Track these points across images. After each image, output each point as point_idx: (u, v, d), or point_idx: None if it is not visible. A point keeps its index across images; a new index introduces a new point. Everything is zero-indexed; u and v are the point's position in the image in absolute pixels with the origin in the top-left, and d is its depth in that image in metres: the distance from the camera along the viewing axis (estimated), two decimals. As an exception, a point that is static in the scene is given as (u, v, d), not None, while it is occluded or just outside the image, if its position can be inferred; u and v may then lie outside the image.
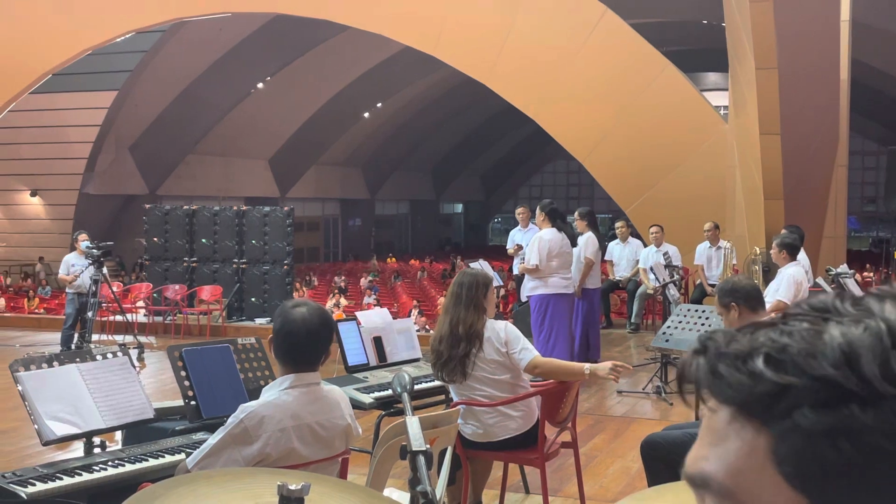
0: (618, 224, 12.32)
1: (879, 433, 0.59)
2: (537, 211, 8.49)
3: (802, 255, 7.97)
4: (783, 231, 8.59)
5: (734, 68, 12.53)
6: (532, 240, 8.47)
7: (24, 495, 3.13)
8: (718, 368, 0.66)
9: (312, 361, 2.99)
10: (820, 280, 8.68)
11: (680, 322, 6.09)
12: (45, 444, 3.49)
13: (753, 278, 8.59)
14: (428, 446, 2.18)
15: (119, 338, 11.85)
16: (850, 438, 0.60)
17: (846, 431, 0.60)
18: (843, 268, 9.06)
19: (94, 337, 10.45)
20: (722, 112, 14.99)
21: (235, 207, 13.99)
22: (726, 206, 12.91)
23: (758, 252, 9.22)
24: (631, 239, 12.22)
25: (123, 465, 3.46)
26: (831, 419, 0.60)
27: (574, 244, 8.66)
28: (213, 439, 2.86)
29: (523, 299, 9.55)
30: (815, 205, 11.43)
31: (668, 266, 9.66)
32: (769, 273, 8.72)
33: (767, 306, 5.11)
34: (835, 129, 11.67)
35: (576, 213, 10.01)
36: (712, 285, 10.78)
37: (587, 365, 4.39)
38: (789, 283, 7.16)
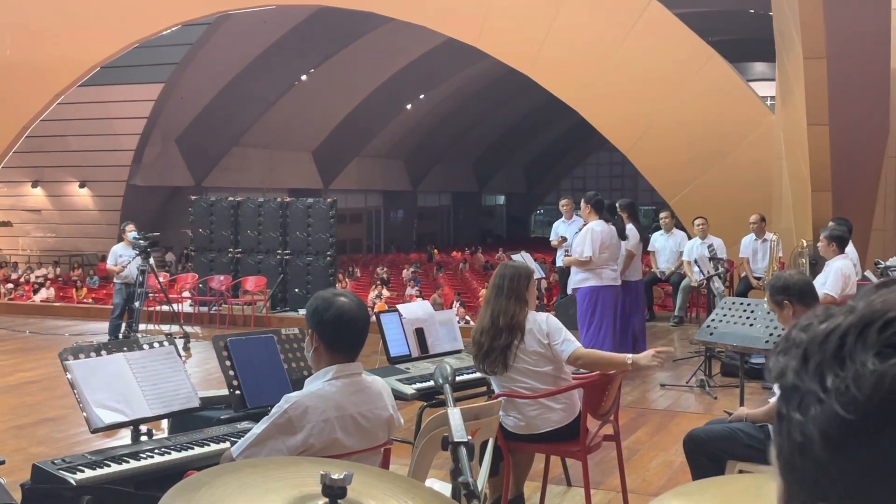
0: (662, 214, 12.21)
1: (799, 428, 0.66)
2: (582, 203, 8.46)
3: (851, 248, 7.84)
4: (831, 223, 8.45)
5: (781, 58, 12.34)
6: (583, 231, 8.43)
7: (73, 481, 3.19)
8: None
9: (357, 350, 3.01)
10: (868, 273, 8.54)
11: (724, 315, 6.01)
12: (94, 431, 3.55)
13: (801, 272, 8.47)
14: (469, 437, 2.18)
15: (165, 327, 12.00)
16: (790, 434, 0.66)
17: (791, 429, 0.67)
18: (893, 261, 8.88)
19: (141, 326, 10.60)
20: (769, 102, 14.77)
21: (279, 199, 14.09)
22: (773, 197, 12.73)
23: (805, 245, 9.08)
24: (675, 230, 12.10)
25: (170, 453, 3.50)
26: (798, 418, 0.66)
27: (622, 236, 8.59)
28: (257, 429, 2.89)
29: (569, 291, 9.51)
30: (864, 197, 11.23)
31: (713, 259, 9.55)
32: (816, 266, 8.59)
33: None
34: (885, 119, 11.45)
35: (616, 205, 9.94)
36: (758, 278, 10.65)
37: (629, 356, 4.39)
38: (837, 276, 7.04)
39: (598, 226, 8.21)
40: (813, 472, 0.64)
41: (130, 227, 10.84)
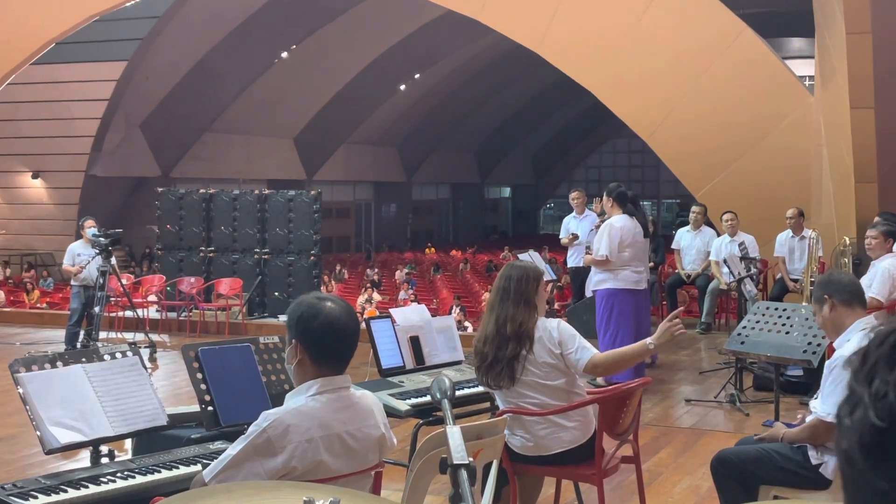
0: (694, 208, 12.15)
1: (845, 435, 0.69)
2: (604, 196, 8.45)
3: (900, 247, 7.86)
4: (877, 218, 8.46)
5: (821, 33, 12.35)
6: (602, 227, 8.45)
7: (25, 509, 3.18)
8: None
9: (346, 362, 3.00)
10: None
11: (757, 322, 6.02)
12: (48, 452, 3.55)
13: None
14: (471, 459, 2.18)
15: (129, 335, 12.00)
16: (839, 442, 0.71)
17: (840, 435, 0.71)
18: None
19: (102, 334, 10.60)
20: (807, 83, 14.79)
21: (257, 191, 14.10)
22: (811, 190, 12.74)
23: (847, 243, 9.08)
24: (704, 227, 12.09)
25: (133, 477, 3.50)
26: (847, 423, 0.71)
27: (647, 233, 8.58)
28: (232, 450, 2.89)
29: (587, 293, 9.49)
30: (913, 189, 11.23)
31: (744, 258, 9.55)
32: (860, 266, 8.59)
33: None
34: (937, 102, 11.45)
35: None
36: (795, 280, 10.66)
37: (648, 339, 4.33)
38: (884, 277, 7.05)
39: (618, 221, 8.21)
40: (857, 482, 0.65)
41: (90, 222, 10.85)
